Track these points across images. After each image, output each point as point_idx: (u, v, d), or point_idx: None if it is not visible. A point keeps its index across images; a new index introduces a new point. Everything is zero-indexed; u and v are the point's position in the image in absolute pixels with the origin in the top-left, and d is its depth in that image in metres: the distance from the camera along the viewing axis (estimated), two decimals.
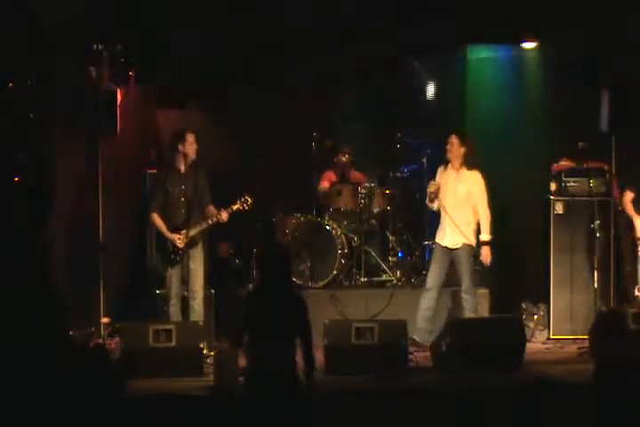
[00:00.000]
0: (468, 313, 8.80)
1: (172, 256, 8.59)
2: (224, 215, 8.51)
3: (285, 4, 8.95)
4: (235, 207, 8.56)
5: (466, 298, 8.82)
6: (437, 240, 8.97)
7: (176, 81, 10.13)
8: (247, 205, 8.59)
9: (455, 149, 8.77)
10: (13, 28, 7.61)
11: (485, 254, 8.84)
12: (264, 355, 5.89)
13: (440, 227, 8.95)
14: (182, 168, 8.64)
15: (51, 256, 8.37)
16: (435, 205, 8.92)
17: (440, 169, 8.93)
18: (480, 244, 8.83)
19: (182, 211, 8.59)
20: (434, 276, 8.90)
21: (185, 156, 8.59)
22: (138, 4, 8.67)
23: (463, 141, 8.76)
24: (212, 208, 8.62)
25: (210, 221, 8.56)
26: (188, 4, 8.84)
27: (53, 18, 7.89)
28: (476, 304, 8.88)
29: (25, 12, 7.68)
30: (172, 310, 8.67)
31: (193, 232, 8.55)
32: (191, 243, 8.58)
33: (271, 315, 5.91)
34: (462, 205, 8.82)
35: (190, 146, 8.60)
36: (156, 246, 8.91)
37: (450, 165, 8.86)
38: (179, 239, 8.53)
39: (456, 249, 8.83)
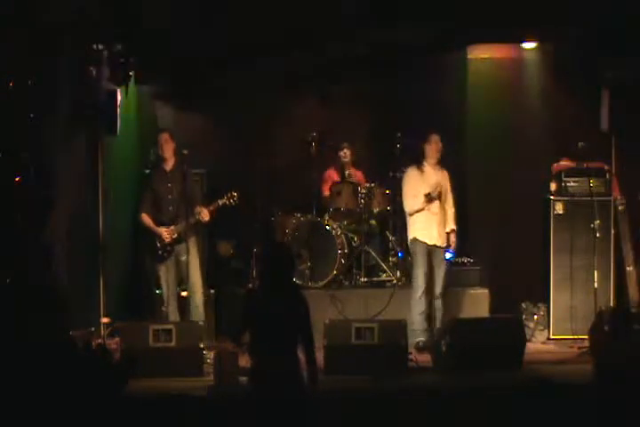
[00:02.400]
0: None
1: (160, 252, 8.69)
2: (205, 212, 8.56)
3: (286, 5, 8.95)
4: (220, 202, 8.68)
5: (437, 304, 8.86)
6: (425, 239, 8.89)
7: (176, 80, 10.14)
8: (234, 201, 8.69)
9: (438, 146, 8.88)
10: (13, 28, 7.59)
11: (453, 240, 8.96)
12: (266, 355, 5.88)
13: (423, 226, 8.87)
14: (167, 168, 8.77)
15: (52, 256, 8.37)
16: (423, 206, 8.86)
17: (414, 172, 8.93)
18: (451, 231, 8.95)
19: (170, 208, 8.75)
20: (425, 277, 8.88)
21: (162, 156, 8.72)
22: (138, 4, 8.66)
23: (441, 139, 8.93)
24: (200, 206, 8.69)
25: (195, 217, 8.62)
26: (188, 4, 8.84)
27: (53, 18, 7.88)
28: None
29: (25, 12, 7.66)
30: (170, 309, 8.72)
31: (180, 228, 8.64)
32: (181, 239, 8.66)
33: (273, 315, 5.90)
34: (441, 204, 8.91)
35: (162, 146, 8.71)
36: (147, 246, 8.93)
37: (425, 163, 8.91)
38: (165, 232, 8.61)
39: (439, 248, 8.91)
